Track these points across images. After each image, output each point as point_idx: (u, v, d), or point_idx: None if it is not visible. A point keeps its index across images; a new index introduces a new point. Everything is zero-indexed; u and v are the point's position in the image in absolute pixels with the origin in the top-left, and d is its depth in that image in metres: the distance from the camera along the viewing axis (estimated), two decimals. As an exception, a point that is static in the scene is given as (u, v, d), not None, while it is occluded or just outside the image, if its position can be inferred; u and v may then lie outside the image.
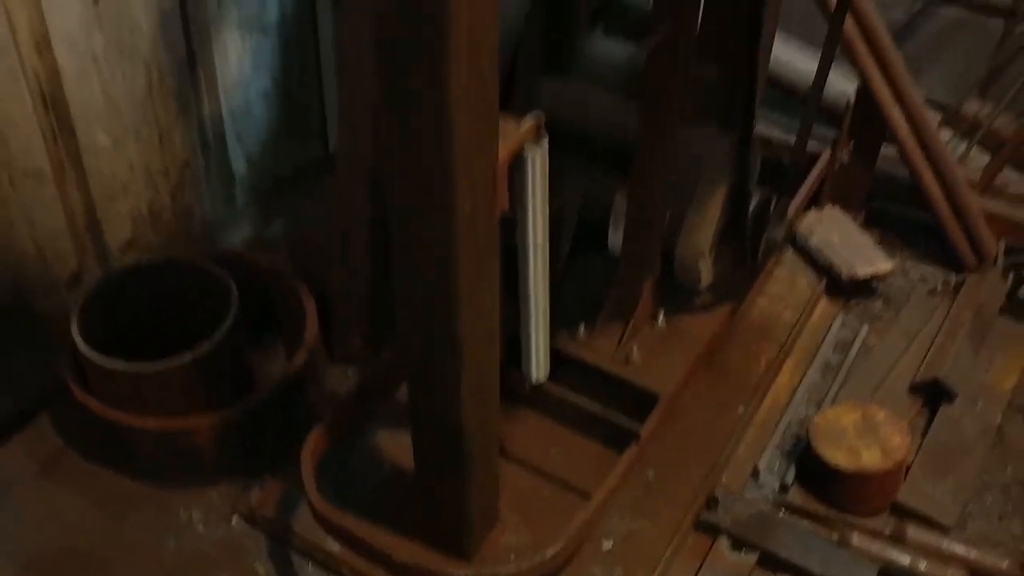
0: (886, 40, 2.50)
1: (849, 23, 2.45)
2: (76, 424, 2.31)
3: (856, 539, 2.15)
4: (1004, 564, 2.12)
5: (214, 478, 2.23)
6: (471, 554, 1.98)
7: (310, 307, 2.26)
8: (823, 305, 2.74)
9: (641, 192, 2.02)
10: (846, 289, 2.75)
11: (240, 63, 2.74)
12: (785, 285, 2.71)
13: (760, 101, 2.17)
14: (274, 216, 2.97)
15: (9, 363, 2.41)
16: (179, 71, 2.56)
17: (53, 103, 2.31)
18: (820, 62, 2.22)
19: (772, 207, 2.19)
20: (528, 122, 1.55)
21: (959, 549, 2.14)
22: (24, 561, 2.10)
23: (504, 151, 1.52)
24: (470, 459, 1.78)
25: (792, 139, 2.49)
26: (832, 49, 2.22)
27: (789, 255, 2.76)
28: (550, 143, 1.59)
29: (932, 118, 2.85)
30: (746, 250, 2.18)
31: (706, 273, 2.21)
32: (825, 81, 2.26)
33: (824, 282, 2.74)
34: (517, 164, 1.59)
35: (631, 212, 2.06)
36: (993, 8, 2.79)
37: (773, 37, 2.23)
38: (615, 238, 2.12)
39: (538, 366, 1.92)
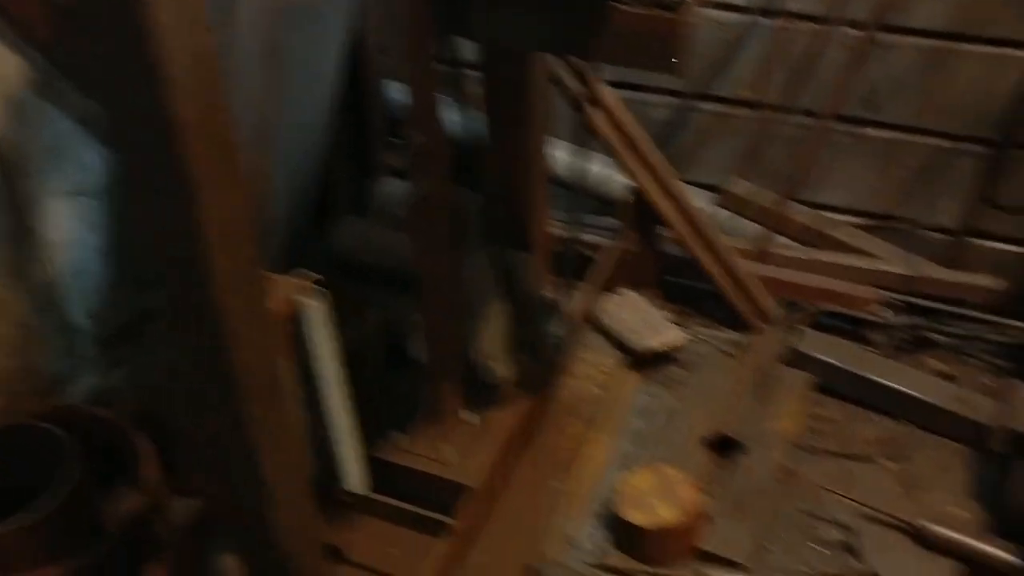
0: (648, 146, 2.86)
1: (614, 136, 2.79)
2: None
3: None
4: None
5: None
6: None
7: (144, 449, 2.43)
8: (627, 378, 3.04)
9: (430, 311, 2.30)
10: (648, 361, 3.07)
11: (71, 226, 2.92)
12: (591, 365, 3.01)
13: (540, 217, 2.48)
14: (118, 363, 3.13)
15: None
16: (7, 242, 2.73)
17: None
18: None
19: (554, 307, 2.50)
20: (298, 280, 1.81)
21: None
22: None
23: (276, 305, 1.77)
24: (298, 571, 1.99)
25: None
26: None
27: (593, 337, 3.07)
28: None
29: (705, 201, 3.24)
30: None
31: (502, 371, 2.49)
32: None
33: (626, 358, 3.05)
34: (297, 318, 1.85)
35: (427, 328, 2.33)
36: (743, 102, 3.20)
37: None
38: (415, 349, 2.39)
39: (354, 478, 2.15)
